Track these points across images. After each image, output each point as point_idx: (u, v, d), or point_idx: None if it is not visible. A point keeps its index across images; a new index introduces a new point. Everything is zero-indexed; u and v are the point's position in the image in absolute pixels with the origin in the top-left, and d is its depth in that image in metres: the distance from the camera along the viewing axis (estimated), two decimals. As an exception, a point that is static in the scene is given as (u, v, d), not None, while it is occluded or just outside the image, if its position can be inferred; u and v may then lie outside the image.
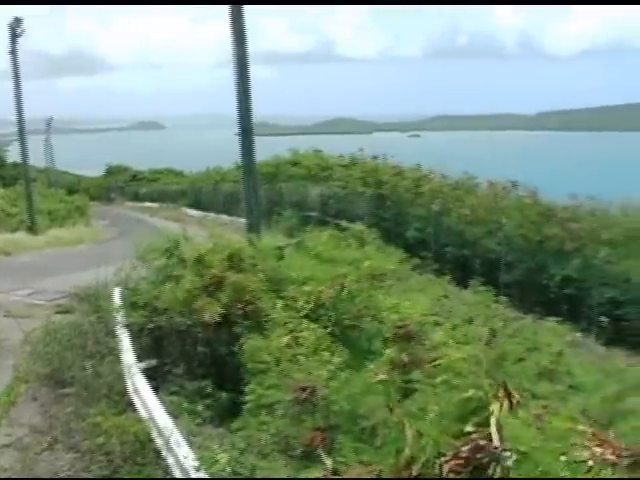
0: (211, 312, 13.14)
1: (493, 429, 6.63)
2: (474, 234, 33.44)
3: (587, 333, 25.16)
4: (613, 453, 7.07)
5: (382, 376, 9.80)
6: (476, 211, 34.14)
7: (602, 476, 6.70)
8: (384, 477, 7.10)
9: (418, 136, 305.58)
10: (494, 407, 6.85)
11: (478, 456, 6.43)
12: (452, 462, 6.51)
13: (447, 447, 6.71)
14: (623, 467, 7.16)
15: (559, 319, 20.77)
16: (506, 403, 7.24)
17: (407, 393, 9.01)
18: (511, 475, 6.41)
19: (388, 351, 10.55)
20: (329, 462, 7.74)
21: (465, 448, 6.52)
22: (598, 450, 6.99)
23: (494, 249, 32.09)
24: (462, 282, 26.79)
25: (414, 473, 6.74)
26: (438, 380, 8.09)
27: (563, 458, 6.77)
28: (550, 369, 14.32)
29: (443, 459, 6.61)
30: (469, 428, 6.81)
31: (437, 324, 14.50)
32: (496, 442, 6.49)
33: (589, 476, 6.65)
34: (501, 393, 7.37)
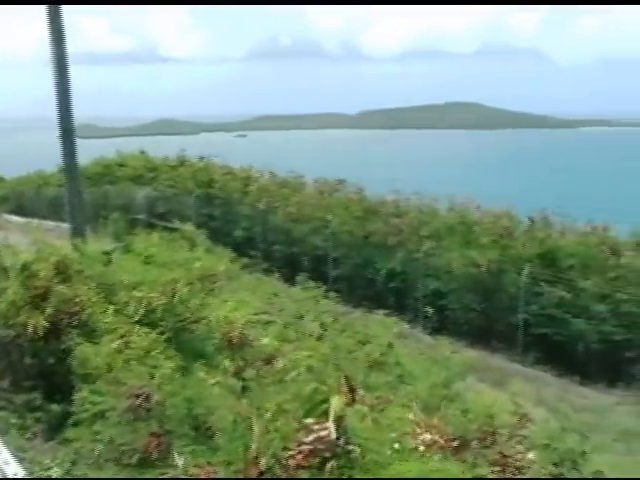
0: (35, 324, 12.64)
1: (331, 421, 6.79)
2: (301, 232, 33.89)
3: (414, 324, 26.20)
4: (442, 438, 7.45)
5: (217, 378, 9.81)
6: (302, 209, 34.60)
7: (432, 460, 7.03)
8: (222, 476, 7.12)
9: (245, 136, 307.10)
10: (333, 400, 7.01)
11: (320, 447, 6.58)
12: (297, 455, 6.63)
13: (293, 441, 6.82)
14: (451, 450, 7.57)
15: (387, 311, 21.34)
16: (347, 396, 7.45)
17: (242, 392, 9.07)
18: (353, 466, 6.61)
19: (223, 360, 10.61)
20: (180, 462, 7.65)
21: (307, 440, 6.65)
22: (428, 436, 7.34)
23: (321, 246, 32.65)
24: (292, 280, 27.05)
25: (262, 468, 6.81)
26: (280, 377, 8.18)
27: (396, 446, 7.06)
28: (380, 360, 14.67)
29: (289, 453, 6.72)
30: (310, 420, 6.96)
31: (268, 322, 14.58)
32: (333, 434, 6.66)
33: (421, 461, 6.95)
34: (342, 386, 7.58)
